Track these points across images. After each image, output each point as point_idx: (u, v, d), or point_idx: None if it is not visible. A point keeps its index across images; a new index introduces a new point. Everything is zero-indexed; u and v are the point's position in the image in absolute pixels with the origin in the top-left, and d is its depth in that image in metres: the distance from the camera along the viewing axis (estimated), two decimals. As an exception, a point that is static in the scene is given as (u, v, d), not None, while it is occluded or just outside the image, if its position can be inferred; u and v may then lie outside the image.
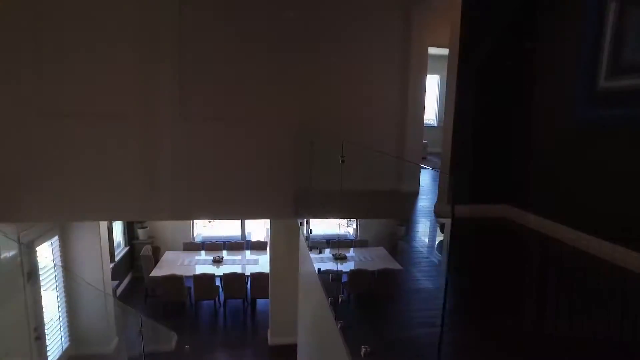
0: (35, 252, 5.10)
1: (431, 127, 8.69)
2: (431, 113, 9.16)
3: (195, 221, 9.71)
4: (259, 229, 10.71)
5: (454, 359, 1.75)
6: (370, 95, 4.50)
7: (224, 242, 9.13)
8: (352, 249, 4.79)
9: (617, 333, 1.95)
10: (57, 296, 5.73)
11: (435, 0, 4.68)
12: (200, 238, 10.00)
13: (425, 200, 4.94)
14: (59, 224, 5.66)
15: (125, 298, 8.16)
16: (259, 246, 9.06)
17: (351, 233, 5.19)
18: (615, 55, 2.72)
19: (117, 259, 8.17)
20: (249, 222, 10.30)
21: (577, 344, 1.87)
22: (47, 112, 3.87)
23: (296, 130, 4.26)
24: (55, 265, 5.65)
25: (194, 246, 8.92)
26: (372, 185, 4.17)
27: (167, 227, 9.25)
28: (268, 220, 7.68)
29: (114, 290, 6.87)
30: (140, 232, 9.03)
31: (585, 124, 3.02)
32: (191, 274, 7.37)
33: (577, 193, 3.06)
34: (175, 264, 7.88)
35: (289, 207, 4.44)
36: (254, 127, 4.25)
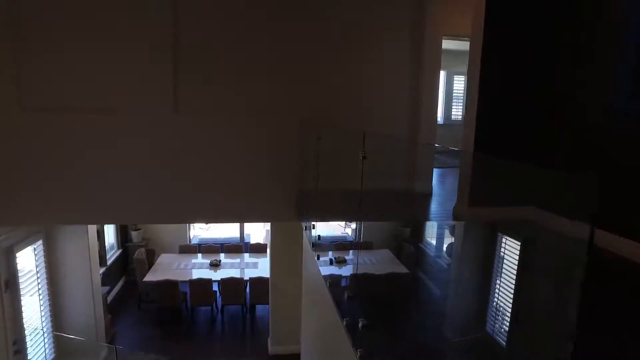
0: (15, 258, 4.68)
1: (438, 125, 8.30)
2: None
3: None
4: (258, 230, 10.30)
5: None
6: (380, 90, 4.11)
7: (222, 245, 8.71)
8: (350, 251, 4.44)
9: None
10: (41, 305, 5.32)
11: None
12: (197, 240, 9.59)
13: (439, 201, 4.57)
14: (43, 227, 5.25)
15: (118, 303, 7.75)
16: (258, 249, 8.66)
17: (350, 234, 4.84)
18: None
19: (109, 262, 7.76)
20: (248, 223, 9.90)
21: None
22: (31, 107, 3.51)
23: (299, 126, 3.88)
24: (38, 272, 5.24)
25: (190, 249, 8.52)
26: (381, 185, 3.78)
27: (162, 229, 8.84)
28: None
29: (105, 297, 6.46)
30: (134, 234, 8.62)
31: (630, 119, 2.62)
32: (187, 278, 6.97)
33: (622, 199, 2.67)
34: (170, 268, 7.47)
35: (291, 208, 4.06)
36: (254, 123, 3.87)
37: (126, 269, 8.65)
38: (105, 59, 3.57)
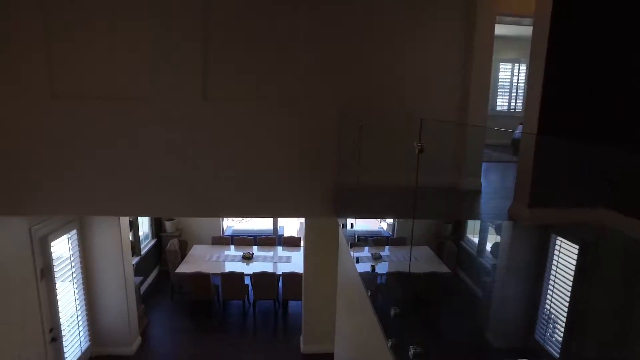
0: (50, 247, 4.67)
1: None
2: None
3: (225, 214, 9.22)
4: (292, 223, 10.13)
5: None
6: (426, 76, 3.74)
7: (255, 237, 8.58)
8: (386, 247, 4.16)
9: None
10: (75, 294, 5.33)
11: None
12: (230, 232, 9.52)
13: (488, 199, 4.19)
14: (75, 218, 5.23)
15: (151, 293, 7.78)
16: (291, 242, 8.48)
17: (385, 229, 4.54)
18: None
19: (143, 252, 7.78)
20: (281, 216, 9.73)
21: None
22: (62, 94, 3.39)
23: (337, 115, 3.59)
24: (72, 261, 5.23)
25: (223, 240, 8.43)
26: (427, 180, 3.45)
27: (195, 220, 8.80)
28: (302, 215, 7.05)
29: (138, 287, 6.45)
30: (168, 225, 8.62)
31: None
32: (219, 270, 6.87)
33: None
34: (202, 259, 7.40)
35: (327, 204, 3.79)
36: (288, 113, 3.61)
37: (160, 259, 8.68)
38: (136, 46, 3.41)
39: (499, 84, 8.17)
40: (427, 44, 3.67)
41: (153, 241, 8.43)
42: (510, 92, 8.25)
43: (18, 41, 3.31)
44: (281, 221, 9.75)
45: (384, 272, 3.67)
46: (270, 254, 7.93)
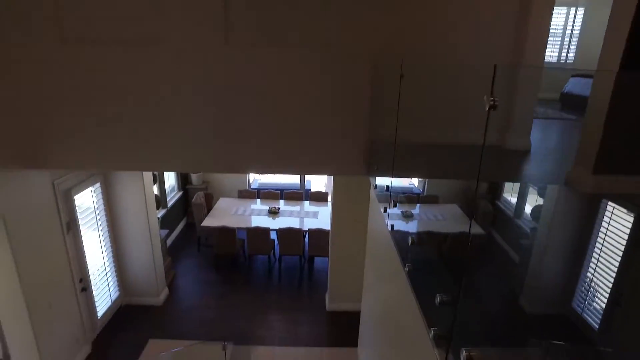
0: (74, 200, 4.60)
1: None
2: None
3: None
4: (319, 177, 9.89)
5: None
6: (476, 20, 3.24)
7: (281, 191, 8.43)
8: (417, 205, 3.87)
9: None
10: (102, 246, 5.33)
11: None
12: (257, 185, 9.39)
13: (538, 160, 3.80)
14: (98, 172, 5.12)
15: (178, 246, 7.84)
16: (319, 197, 8.29)
17: (416, 186, 4.22)
18: None
19: (169, 204, 7.77)
20: (308, 170, 9.49)
21: None
22: (74, 38, 3.10)
23: (373, 63, 3.18)
24: (98, 214, 5.19)
25: (249, 194, 8.32)
26: (468, 137, 3.07)
27: (221, 173, 8.68)
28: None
29: (164, 240, 6.45)
30: (194, 177, 8.54)
31: None
32: (245, 225, 6.78)
33: None
34: (228, 213, 7.32)
35: (359, 161, 3.48)
36: (319, 59, 3.22)
37: (187, 212, 8.69)
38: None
39: (550, 31, 7.37)
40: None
41: (179, 194, 8.40)
42: (562, 41, 7.45)
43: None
44: (308, 175, 9.53)
45: (415, 230, 3.41)
46: (297, 208, 7.77)
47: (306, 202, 8.18)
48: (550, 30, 7.34)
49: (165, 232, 6.49)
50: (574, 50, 7.42)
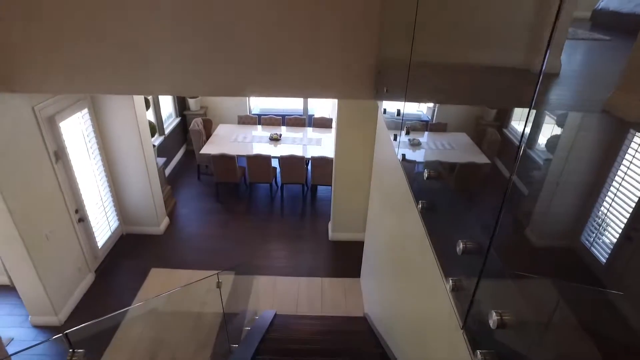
0: (59, 128, 4.29)
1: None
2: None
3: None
4: (323, 103, 9.42)
5: None
6: None
7: (283, 117, 8.03)
8: (425, 133, 3.57)
9: None
10: (97, 175, 5.12)
11: None
12: (258, 110, 8.98)
13: (569, 85, 3.33)
14: (83, 96, 4.74)
15: (178, 174, 7.66)
16: (322, 123, 7.91)
17: (424, 112, 3.86)
18: None
19: (167, 131, 7.45)
20: (311, 95, 8.99)
21: None
22: None
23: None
24: (88, 142, 4.90)
25: (249, 120, 7.95)
26: (491, 59, 2.67)
27: (220, 97, 8.24)
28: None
29: (162, 168, 6.23)
30: (192, 102, 8.12)
31: None
32: (246, 152, 6.51)
33: None
34: (228, 140, 7.02)
35: (367, 83, 3.10)
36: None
37: (186, 138, 8.40)
38: None
39: None
40: None
41: (177, 120, 8.04)
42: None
43: None
44: (312, 100, 9.06)
45: (422, 160, 3.16)
46: (300, 135, 7.45)
47: (309, 129, 7.83)
48: None
49: (163, 160, 6.25)
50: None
